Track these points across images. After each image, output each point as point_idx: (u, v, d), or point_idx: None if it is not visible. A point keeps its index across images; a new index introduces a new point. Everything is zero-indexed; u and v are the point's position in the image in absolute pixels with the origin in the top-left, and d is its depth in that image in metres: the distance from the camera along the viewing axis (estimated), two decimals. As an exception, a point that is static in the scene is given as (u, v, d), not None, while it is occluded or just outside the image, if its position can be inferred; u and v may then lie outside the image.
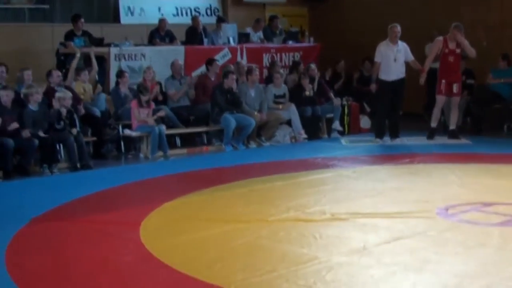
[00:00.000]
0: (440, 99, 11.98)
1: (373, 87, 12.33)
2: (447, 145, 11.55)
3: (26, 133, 9.68)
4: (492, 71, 13.12)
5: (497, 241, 5.97)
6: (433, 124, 12.05)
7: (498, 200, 7.39)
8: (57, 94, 10.29)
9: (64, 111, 10.15)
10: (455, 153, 10.73)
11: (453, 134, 12.01)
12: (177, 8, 15.00)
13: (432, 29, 13.71)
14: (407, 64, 11.90)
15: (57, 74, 10.96)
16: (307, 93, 12.72)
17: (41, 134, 9.87)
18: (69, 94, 10.37)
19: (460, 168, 9.44)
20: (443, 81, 11.81)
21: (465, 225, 6.55)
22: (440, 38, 11.95)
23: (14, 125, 9.68)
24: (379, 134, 12.04)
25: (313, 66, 13.27)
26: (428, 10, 15.00)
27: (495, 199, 7.44)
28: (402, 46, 11.88)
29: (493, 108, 12.92)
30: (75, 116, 10.32)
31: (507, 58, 13.13)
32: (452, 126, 12.06)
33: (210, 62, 12.48)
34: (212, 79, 12.38)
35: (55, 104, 10.22)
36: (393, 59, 11.74)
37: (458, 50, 11.88)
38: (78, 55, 11.57)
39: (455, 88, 11.89)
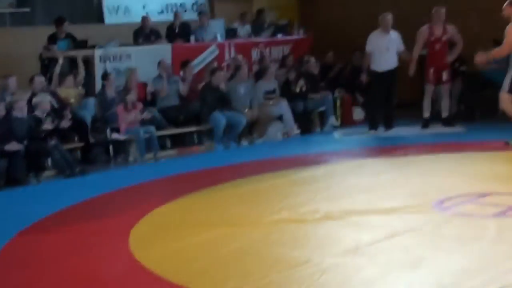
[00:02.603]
0: (429, 88, 12.04)
1: (364, 78, 12.30)
2: (441, 134, 11.58)
3: (12, 146, 9.55)
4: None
5: (493, 234, 5.96)
6: (426, 114, 12.08)
7: (494, 189, 7.38)
8: (34, 100, 10.26)
9: (44, 118, 10.07)
10: (449, 141, 10.75)
11: (447, 122, 12.05)
12: (162, 5, 14.86)
13: (423, 16, 13.58)
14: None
15: (39, 80, 10.86)
16: (297, 89, 12.72)
17: (25, 142, 9.77)
18: (47, 98, 10.30)
19: (455, 157, 9.53)
20: (431, 69, 11.80)
21: (461, 218, 6.56)
22: (425, 26, 11.94)
23: None
24: (373, 126, 12.05)
25: (312, 60, 13.24)
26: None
27: (491, 189, 7.43)
28: (395, 35, 11.94)
29: (486, 94, 12.75)
30: (56, 123, 10.25)
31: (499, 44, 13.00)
32: (445, 114, 12.09)
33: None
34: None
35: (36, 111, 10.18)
36: (385, 49, 11.81)
37: (444, 38, 11.84)
38: (60, 61, 11.45)
39: (444, 75, 11.91)
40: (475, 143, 10.45)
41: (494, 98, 12.72)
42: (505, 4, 10.47)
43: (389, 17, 11.82)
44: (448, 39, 11.95)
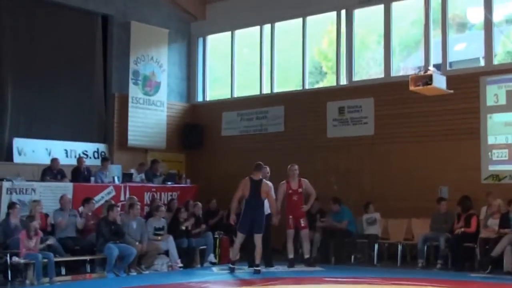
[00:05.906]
0: (290, 233, 12.49)
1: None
2: (304, 271, 11.96)
3: None
4: (332, 215, 13.64)
5: None
6: (290, 255, 12.48)
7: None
8: None
9: None
10: (310, 277, 11.14)
11: (308, 262, 12.49)
12: (66, 150, 15.08)
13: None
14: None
15: None
16: (183, 227, 12.96)
17: None
18: None
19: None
20: (290, 217, 12.32)
21: None
22: (284, 181, 12.50)
23: None
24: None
25: (199, 204, 13.68)
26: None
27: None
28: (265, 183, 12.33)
29: (343, 241, 13.42)
30: None
31: (338, 201, 13.61)
32: (306, 255, 12.57)
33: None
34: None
35: None
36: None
37: (300, 190, 12.44)
38: None
39: (302, 222, 12.41)
40: (332, 278, 10.97)
41: (349, 245, 13.49)
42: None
43: (266, 169, 12.30)
44: (303, 191, 12.50)
